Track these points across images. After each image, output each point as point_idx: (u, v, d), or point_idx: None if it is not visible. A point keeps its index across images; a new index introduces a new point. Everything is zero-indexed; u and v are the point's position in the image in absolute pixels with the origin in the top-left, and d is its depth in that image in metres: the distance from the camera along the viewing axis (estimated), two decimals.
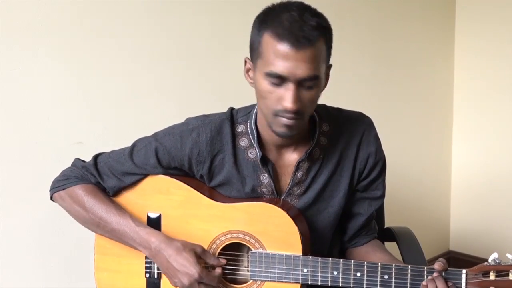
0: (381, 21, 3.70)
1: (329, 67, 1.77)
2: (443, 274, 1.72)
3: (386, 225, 2.44)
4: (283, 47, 1.60)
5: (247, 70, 1.80)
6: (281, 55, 1.61)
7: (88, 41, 2.47)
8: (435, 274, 1.72)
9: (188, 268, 1.77)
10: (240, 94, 2.93)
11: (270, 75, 1.63)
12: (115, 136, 2.55)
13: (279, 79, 1.63)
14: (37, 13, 2.32)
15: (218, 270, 1.85)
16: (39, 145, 2.39)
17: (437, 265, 1.72)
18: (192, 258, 1.79)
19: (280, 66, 1.61)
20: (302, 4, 1.68)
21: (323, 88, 1.76)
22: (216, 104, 2.82)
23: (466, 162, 4.29)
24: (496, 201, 4.11)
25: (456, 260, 4.30)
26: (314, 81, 1.65)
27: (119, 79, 2.58)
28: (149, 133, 1.99)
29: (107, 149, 2.03)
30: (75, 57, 2.44)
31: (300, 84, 1.64)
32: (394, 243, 2.33)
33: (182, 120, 1.99)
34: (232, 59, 2.90)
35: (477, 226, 4.25)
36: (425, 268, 1.73)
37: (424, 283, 1.73)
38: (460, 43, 4.20)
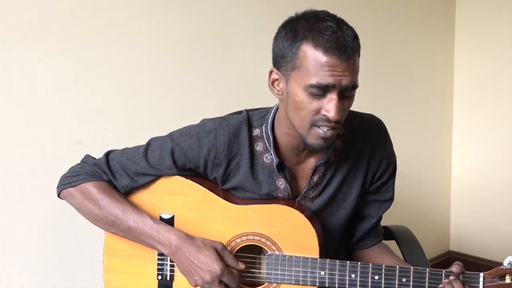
0: (381, 22, 3.72)
1: None
2: (460, 277, 1.73)
3: (384, 224, 2.45)
4: (331, 58, 1.60)
5: (273, 82, 1.77)
6: (328, 66, 1.60)
7: (88, 40, 2.45)
8: (451, 277, 1.73)
9: (210, 265, 1.77)
10: (240, 93, 2.95)
11: (315, 86, 1.62)
12: (115, 136, 2.53)
13: (322, 90, 1.63)
14: (37, 13, 2.30)
15: (236, 271, 1.84)
16: (39, 145, 2.36)
17: (455, 268, 1.74)
18: (214, 255, 1.79)
19: (326, 76, 1.60)
20: (328, 13, 1.69)
21: None
22: (217, 103, 2.84)
23: (466, 162, 4.31)
24: (496, 201, 4.13)
25: (456, 261, 4.28)
26: (353, 90, 1.67)
27: (119, 79, 2.56)
28: (149, 132, 1.99)
29: (107, 149, 2.00)
30: (75, 57, 2.42)
31: (341, 94, 1.64)
32: (392, 242, 2.34)
33: (182, 120, 1.99)
34: (233, 59, 2.90)
35: (477, 226, 4.28)
36: (443, 271, 1.74)
37: (441, 285, 1.74)
38: (460, 44, 4.22)
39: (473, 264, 3.91)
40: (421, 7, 4.00)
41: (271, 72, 1.77)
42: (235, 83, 2.92)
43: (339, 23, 1.65)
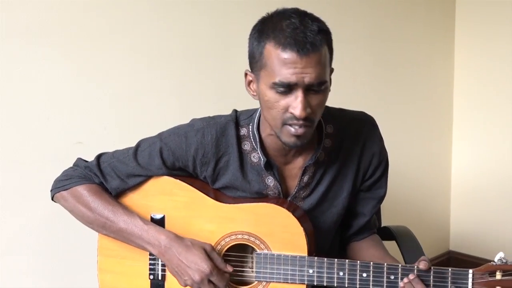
0: (381, 21, 3.71)
1: (331, 71, 1.77)
2: (450, 273, 1.72)
3: (384, 224, 2.44)
4: (289, 55, 1.59)
5: (249, 83, 1.80)
6: (287, 63, 1.60)
7: (88, 41, 2.46)
8: (411, 276, 1.73)
9: (199, 264, 1.78)
10: (241, 94, 2.93)
11: (277, 84, 1.62)
12: (115, 136, 2.54)
13: (287, 88, 1.63)
14: (37, 13, 2.31)
15: (227, 272, 1.85)
16: (39, 145, 2.37)
17: (422, 265, 1.73)
18: (203, 255, 1.79)
19: (288, 74, 1.60)
20: (299, 10, 1.68)
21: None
22: (217, 104, 2.84)
23: (466, 162, 4.29)
24: (496, 201, 4.11)
25: (456, 260, 4.32)
26: (322, 86, 1.65)
27: (119, 79, 2.57)
28: (150, 133, 1.99)
29: (107, 149, 2.02)
30: (75, 57, 2.43)
31: (307, 90, 1.64)
32: (392, 242, 2.34)
33: (182, 120, 1.98)
34: (233, 59, 2.90)
35: (477, 226, 4.25)
36: (432, 269, 1.72)
37: (401, 284, 1.74)
38: (460, 43, 4.20)
39: (473, 264, 3.84)
40: (421, 7, 3.98)
41: (246, 74, 1.80)
42: (235, 84, 2.91)
43: (304, 19, 1.63)
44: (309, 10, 1.74)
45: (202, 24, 2.81)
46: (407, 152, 3.93)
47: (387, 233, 2.38)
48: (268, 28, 1.65)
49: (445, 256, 4.37)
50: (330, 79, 1.76)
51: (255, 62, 1.70)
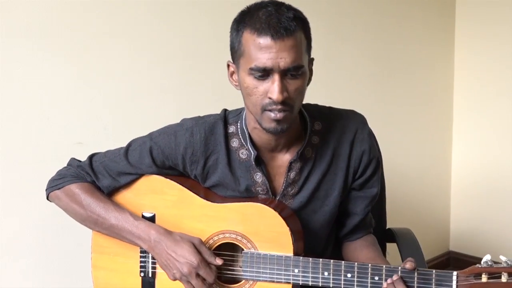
0: (381, 22, 3.71)
1: (311, 60, 1.80)
2: (434, 275, 1.71)
3: (387, 226, 2.43)
4: (264, 40, 1.63)
5: (231, 74, 1.83)
6: (263, 48, 1.63)
7: (88, 41, 2.48)
8: (395, 277, 1.72)
9: (187, 257, 1.80)
10: (240, 94, 2.93)
11: (254, 70, 1.66)
12: (115, 136, 2.56)
13: (263, 72, 1.66)
14: (37, 14, 2.33)
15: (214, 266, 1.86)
16: (39, 145, 2.40)
17: (408, 265, 1.72)
18: (191, 248, 1.81)
19: (263, 59, 1.64)
20: (276, 1, 1.73)
21: (309, 82, 1.79)
22: (217, 104, 2.81)
23: (466, 162, 4.28)
24: (496, 201, 4.10)
25: (456, 261, 4.31)
26: (298, 70, 1.68)
27: (119, 79, 2.59)
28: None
29: (107, 149, 2.04)
30: (75, 57, 2.45)
31: (284, 74, 1.66)
32: (395, 244, 2.32)
33: None
34: None
35: (477, 226, 4.24)
36: (416, 270, 1.71)
37: (384, 285, 1.74)
38: (460, 44, 4.19)
39: (473, 264, 3.84)
40: (421, 7, 3.97)
41: (228, 66, 1.83)
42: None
43: (280, 8, 1.68)
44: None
45: (202, 24, 2.82)
46: (407, 152, 3.90)
47: (389, 235, 2.37)
48: (245, 18, 1.70)
49: (445, 256, 4.36)
50: (311, 69, 1.80)
51: (235, 51, 1.74)
